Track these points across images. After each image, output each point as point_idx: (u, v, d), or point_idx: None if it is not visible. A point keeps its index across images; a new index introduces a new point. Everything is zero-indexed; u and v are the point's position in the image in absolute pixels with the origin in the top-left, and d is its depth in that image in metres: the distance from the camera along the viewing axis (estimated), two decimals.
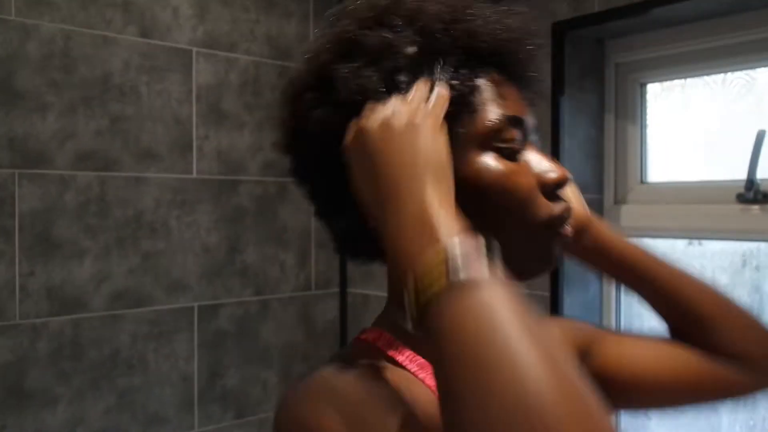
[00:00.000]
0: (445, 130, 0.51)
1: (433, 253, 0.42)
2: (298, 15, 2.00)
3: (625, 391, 0.74)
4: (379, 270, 0.63)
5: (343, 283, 2.09)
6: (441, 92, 0.53)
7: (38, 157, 1.58)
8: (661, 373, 0.73)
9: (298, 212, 1.99)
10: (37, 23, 1.57)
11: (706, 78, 1.48)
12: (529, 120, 0.62)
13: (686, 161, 1.53)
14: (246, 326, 1.90)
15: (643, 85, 1.59)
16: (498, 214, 0.58)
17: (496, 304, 0.39)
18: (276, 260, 1.96)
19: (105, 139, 1.67)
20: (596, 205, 1.60)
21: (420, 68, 0.58)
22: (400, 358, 0.59)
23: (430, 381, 0.57)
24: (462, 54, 0.59)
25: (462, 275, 0.40)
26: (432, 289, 0.41)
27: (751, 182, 1.32)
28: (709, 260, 1.46)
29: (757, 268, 1.39)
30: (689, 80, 1.52)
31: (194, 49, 1.81)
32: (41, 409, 1.57)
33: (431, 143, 0.47)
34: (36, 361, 1.57)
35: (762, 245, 1.38)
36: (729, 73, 1.44)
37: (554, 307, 1.53)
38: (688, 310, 0.73)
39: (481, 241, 0.43)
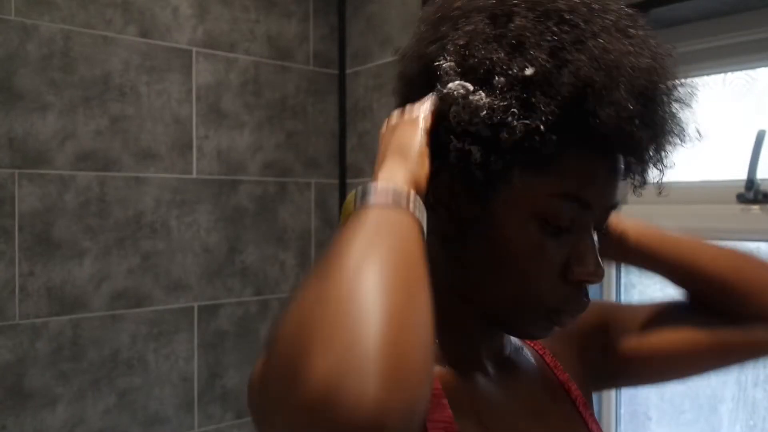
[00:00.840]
0: (424, 129, 0.57)
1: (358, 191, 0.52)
2: (298, 15, 2.00)
3: (646, 365, 0.74)
4: None
5: None
6: (429, 107, 0.59)
7: (38, 157, 1.58)
8: (680, 344, 0.72)
9: (298, 212, 1.99)
10: (37, 23, 1.57)
11: (706, 78, 1.48)
12: (601, 206, 0.59)
13: (686, 161, 1.52)
14: (246, 326, 1.90)
15: None
16: (510, 275, 0.58)
17: (375, 223, 0.48)
18: (276, 260, 1.96)
19: (105, 139, 1.67)
20: None
21: (514, 90, 0.53)
22: None
23: None
24: (572, 121, 0.54)
25: (363, 203, 0.49)
26: (344, 214, 0.52)
27: (751, 182, 1.32)
28: None
29: None
30: (689, 80, 1.51)
31: (194, 49, 1.81)
32: (41, 409, 1.57)
33: (404, 137, 0.57)
34: (36, 361, 1.57)
35: (762, 245, 1.38)
36: (729, 73, 1.44)
37: None
38: (710, 280, 0.71)
39: (408, 191, 0.51)
